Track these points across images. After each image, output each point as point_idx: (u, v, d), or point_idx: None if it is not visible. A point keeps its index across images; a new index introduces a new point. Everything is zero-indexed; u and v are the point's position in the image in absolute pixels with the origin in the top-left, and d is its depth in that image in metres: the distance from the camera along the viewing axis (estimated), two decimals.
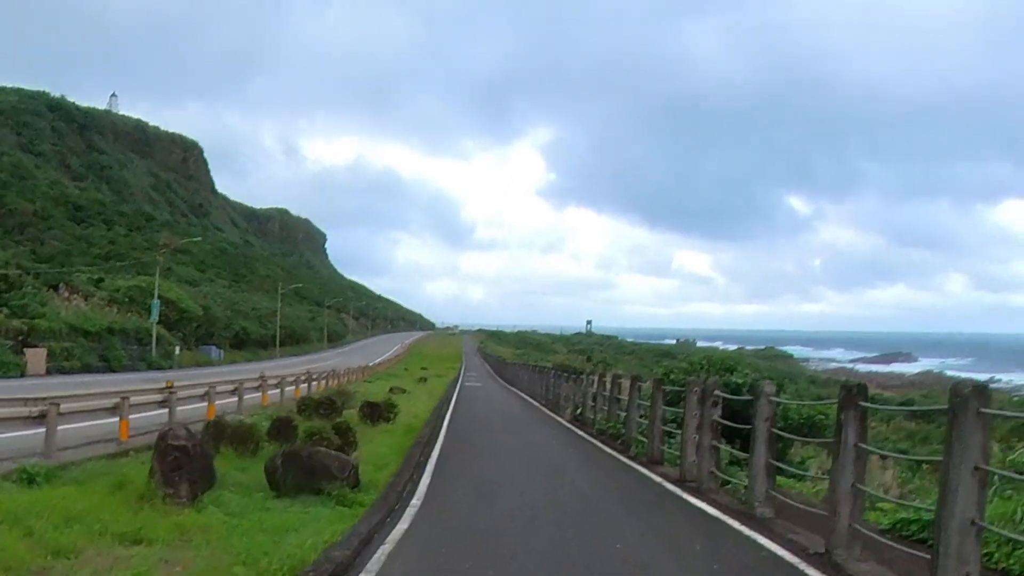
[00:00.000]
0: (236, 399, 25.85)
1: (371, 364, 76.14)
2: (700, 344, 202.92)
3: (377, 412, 24.99)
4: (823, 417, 19.63)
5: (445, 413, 31.20)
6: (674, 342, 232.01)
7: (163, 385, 21.41)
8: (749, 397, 12.94)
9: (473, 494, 13.36)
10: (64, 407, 15.42)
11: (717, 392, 14.02)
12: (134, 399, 18.48)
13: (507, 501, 12.79)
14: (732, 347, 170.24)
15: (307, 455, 12.79)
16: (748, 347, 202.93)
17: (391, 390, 39.76)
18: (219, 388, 24.07)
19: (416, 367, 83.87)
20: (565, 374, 37.18)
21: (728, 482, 13.69)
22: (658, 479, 15.40)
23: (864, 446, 8.99)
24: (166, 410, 20.13)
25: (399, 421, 24.98)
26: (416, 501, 12.36)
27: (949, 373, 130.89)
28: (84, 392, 18.07)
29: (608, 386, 24.96)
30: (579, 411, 29.17)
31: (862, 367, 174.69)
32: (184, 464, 11.56)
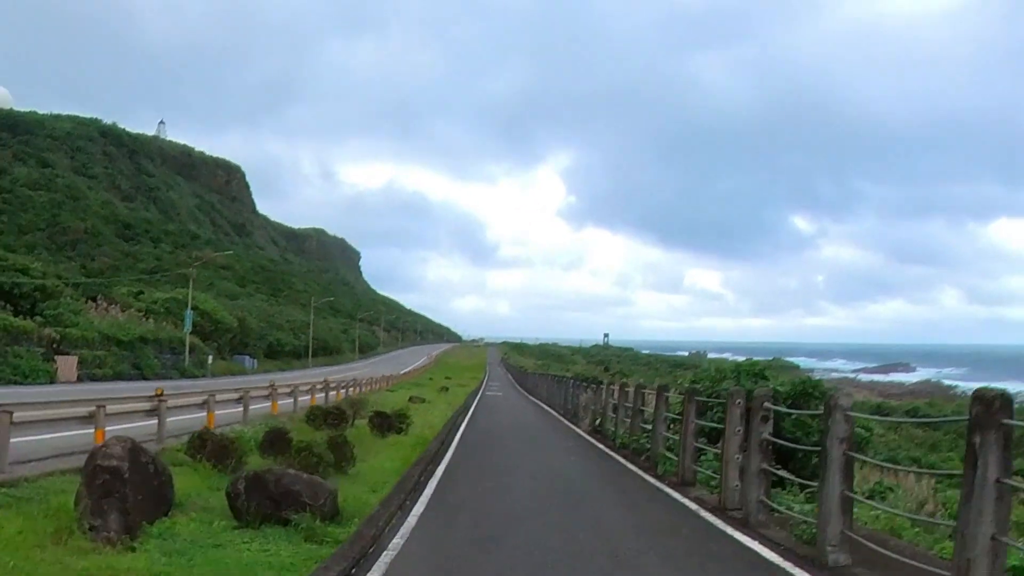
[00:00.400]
0: (241, 408, 22.80)
1: (398, 374, 73.32)
2: (711, 356, 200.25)
3: (387, 423, 22.09)
4: (865, 432, 16.32)
5: (460, 423, 28.32)
6: (687, 354, 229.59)
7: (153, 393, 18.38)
8: (815, 411, 9.87)
9: (471, 533, 10.01)
10: (20, 415, 12.58)
11: (767, 404, 10.67)
12: (119, 407, 15.69)
13: (513, 545, 9.29)
14: (741, 358, 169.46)
15: (274, 479, 9.76)
16: (756, 358, 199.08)
17: (410, 399, 36.95)
18: (220, 397, 21.00)
19: (440, 377, 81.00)
20: (584, 383, 34.21)
21: (776, 510, 10.58)
22: (694, 506, 12.03)
23: (1009, 482, 5.92)
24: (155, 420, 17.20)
25: (411, 432, 22.10)
26: (398, 540, 9.18)
27: (947, 382, 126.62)
28: (44, 400, 15.23)
29: (631, 396, 21.72)
30: (598, 422, 26.19)
31: (864, 377, 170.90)
32: (115, 490, 8.68)
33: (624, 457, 19.15)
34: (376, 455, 16.97)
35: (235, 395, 23.05)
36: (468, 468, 16.80)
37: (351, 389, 39.59)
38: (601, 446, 22.41)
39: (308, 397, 30.44)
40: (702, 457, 14.54)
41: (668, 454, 16.25)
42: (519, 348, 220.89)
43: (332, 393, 34.11)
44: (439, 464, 16.77)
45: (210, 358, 68.69)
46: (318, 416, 21.85)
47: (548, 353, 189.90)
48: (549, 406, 42.93)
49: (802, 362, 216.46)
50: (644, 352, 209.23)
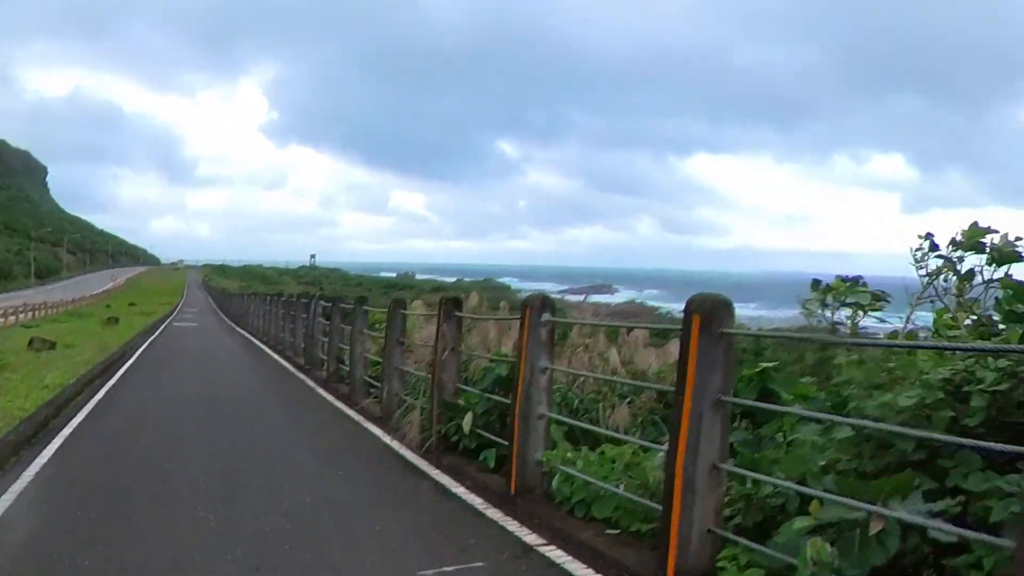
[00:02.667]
0: None
1: (64, 301, 56.43)
2: (420, 277, 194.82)
3: None
4: None
5: (100, 387, 15.17)
6: (394, 275, 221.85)
7: None
8: None
9: None
10: None
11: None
12: None
13: None
14: (451, 279, 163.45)
15: None
16: (467, 279, 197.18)
17: (31, 343, 22.60)
18: None
19: (122, 305, 64.52)
20: (303, 300, 21.88)
21: None
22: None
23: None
24: None
25: None
26: None
27: (650, 303, 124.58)
28: None
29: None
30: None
31: (572, 297, 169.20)
32: None
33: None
34: None
35: None
36: None
37: None
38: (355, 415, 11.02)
39: None
40: None
41: None
42: (222, 271, 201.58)
43: None
44: None
45: None
46: None
47: (253, 275, 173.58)
48: (264, 341, 29.60)
49: (512, 283, 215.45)
50: (352, 273, 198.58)
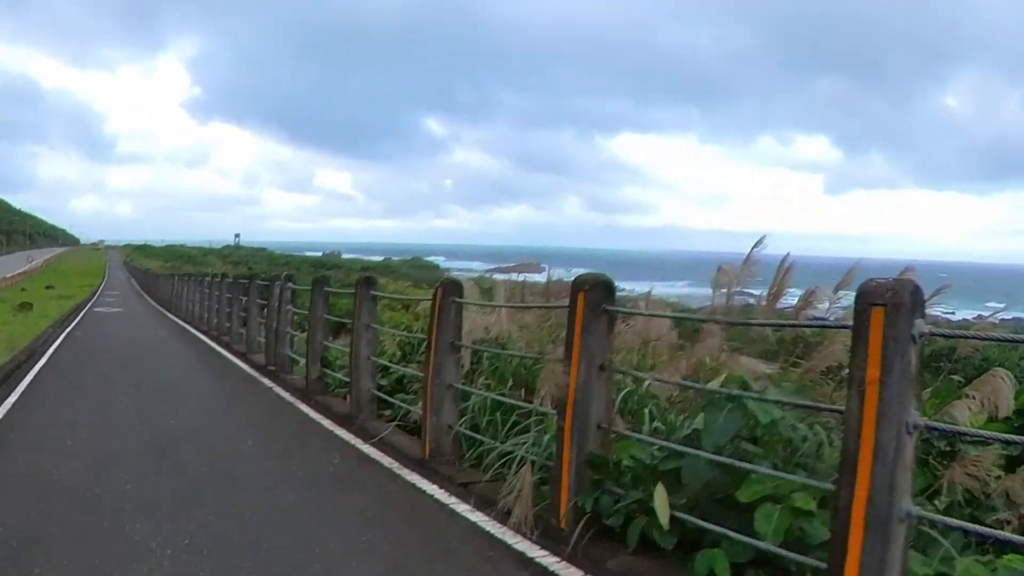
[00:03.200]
0: None
1: None
2: (346, 256, 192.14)
3: None
4: None
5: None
6: (321, 255, 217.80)
7: None
8: None
9: None
10: None
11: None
12: None
13: None
14: (378, 258, 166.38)
15: None
16: (395, 258, 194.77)
17: None
18: None
19: (39, 286, 59.24)
20: (260, 283, 17.91)
21: None
22: None
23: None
24: None
25: None
26: None
27: None
28: None
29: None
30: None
31: (500, 276, 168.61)
32: None
33: None
34: None
35: None
36: None
37: None
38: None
39: None
40: None
41: None
42: (144, 251, 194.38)
43: None
44: None
45: None
46: None
47: (177, 255, 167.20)
48: (199, 328, 25.26)
49: (440, 262, 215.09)
50: (278, 253, 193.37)
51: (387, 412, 9.49)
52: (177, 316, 32.76)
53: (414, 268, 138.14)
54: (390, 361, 10.03)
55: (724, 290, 6.65)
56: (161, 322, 31.14)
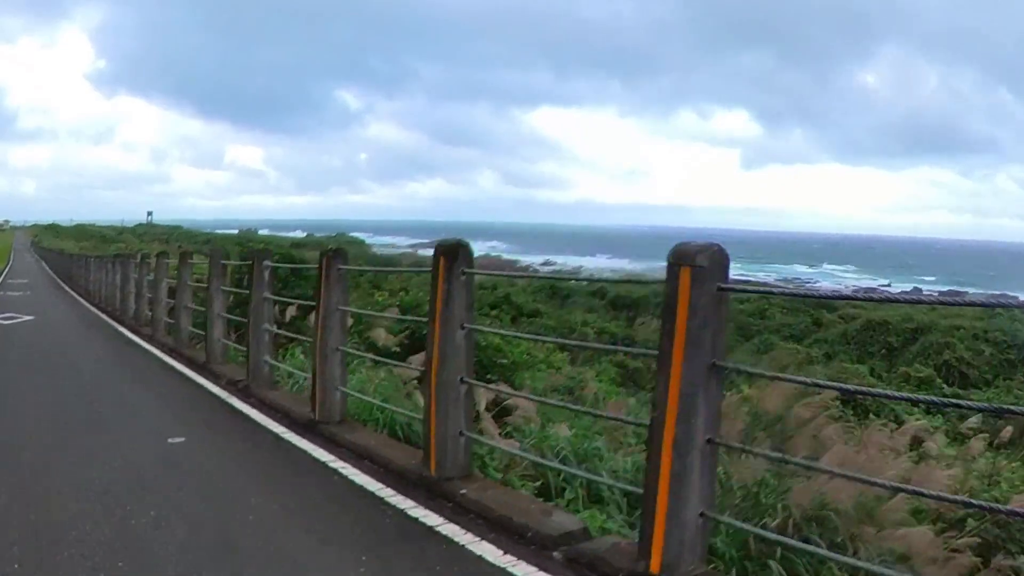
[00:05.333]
0: None
1: None
2: (263, 232, 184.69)
3: None
4: None
5: None
6: (236, 232, 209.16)
7: None
8: None
9: None
10: None
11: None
12: None
13: None
14: (301, 234, 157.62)
15: None
16: (318, 234, 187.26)
17: None
18: None
19: None
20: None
21: None
22: None
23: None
24: None
25: None
26: None
27: (505, 256, 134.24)
28: None
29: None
30: None
31: (423, 252, 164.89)
32: None
33: None
34: None
35: None
36: None
37: None
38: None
39: None
40: None
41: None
42: (53, 230, 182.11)
43: None
44: None
45: None
46: None
47: (89, 234, 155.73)
48: (121, 321, 18.01)
49: (365, 238, 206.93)
50: (194, 230, 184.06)
51: None
52: (111, 318, 22.26)
53: (342, 244, 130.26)
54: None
55: None
56: (93, 325, 21.35)
